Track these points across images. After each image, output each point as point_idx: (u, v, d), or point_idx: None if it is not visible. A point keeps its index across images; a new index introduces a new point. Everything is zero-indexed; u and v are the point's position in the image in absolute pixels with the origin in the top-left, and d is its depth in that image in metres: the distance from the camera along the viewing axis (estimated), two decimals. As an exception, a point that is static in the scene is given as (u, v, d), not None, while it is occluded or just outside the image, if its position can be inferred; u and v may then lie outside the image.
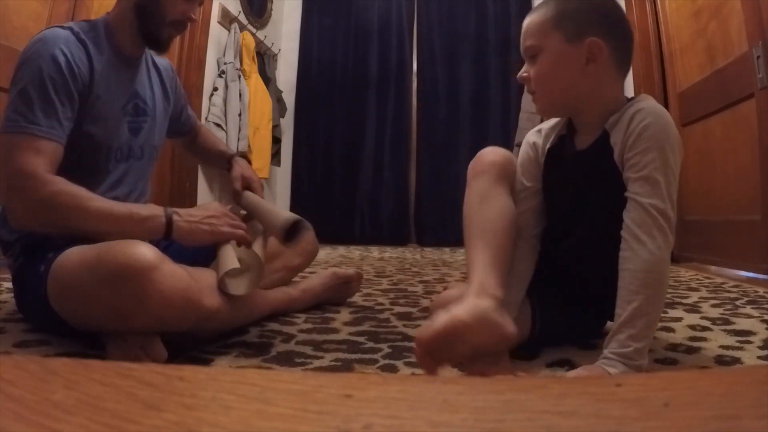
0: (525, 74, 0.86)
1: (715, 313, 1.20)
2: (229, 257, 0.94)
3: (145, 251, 0.75)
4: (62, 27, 0.98)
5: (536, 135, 0.97)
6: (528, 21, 0.86)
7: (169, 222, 0.91)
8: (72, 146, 0.95)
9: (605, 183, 0.83)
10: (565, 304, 0.89)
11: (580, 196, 0.89)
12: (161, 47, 1.08)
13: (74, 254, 0.83)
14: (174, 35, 1.08)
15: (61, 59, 0.92)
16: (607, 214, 0.83)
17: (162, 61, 1.23)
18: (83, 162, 0.99)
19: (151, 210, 0.92)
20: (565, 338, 0.93)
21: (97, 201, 0.89)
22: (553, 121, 0.97)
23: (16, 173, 0.86)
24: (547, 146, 0.93)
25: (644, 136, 0.77)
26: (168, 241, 0.96)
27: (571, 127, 0.91)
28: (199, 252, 1.17)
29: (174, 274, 0.77)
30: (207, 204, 1.03)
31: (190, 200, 3.05)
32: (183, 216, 0.93)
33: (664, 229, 0.74)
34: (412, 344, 0.73)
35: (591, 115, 0.86)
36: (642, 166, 0.76)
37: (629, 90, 3.02)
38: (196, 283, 0.81)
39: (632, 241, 0.74)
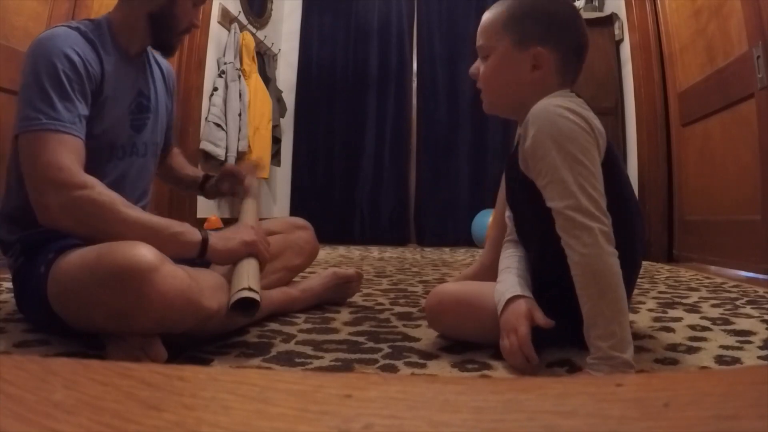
0: (474, 70, 0.88)
1: (715, 313, 1.20)
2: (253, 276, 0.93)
3: (145, 252, 0.75)
4: (69, 26, 0.98)
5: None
6: (483, 19, 0.87)
7: (205, 241, 0.91)
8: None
9: (523, 187, 0.85)
10: (561, 307, 0.90)
11: (513, 202, 0.94)
12: (171, 53, 1.12)
13: (74, 255, 0.82)
14: (184, 40, 1.12)
15: (75, 57, 0.92)
16: (536, 218, 0.84)
17: (164, 61, 1.23)
18: (86, 161, 0.99)
19: (186, 227, 0.92)
20: (563, 337, 0.93)
21: (134, 209, 0.88)
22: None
23: (48, 168, 0.84)
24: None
25: (534, 143, 0.77)
26: (200, 260, 0.95)
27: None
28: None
29: (174, 275, 0.77)
30: (239, 227, 1.02)
31: (190, 201, 3.05)
32: (218, 239, 0.93)
33: (584, 225, 0.72)
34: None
35: (522, 118, 0.85)
36: (544, 173, 0.76)
37: (629, 90, 3.02)
38: (196, 284, 0.81)
39: (565, 248, 0.74)
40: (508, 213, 1.01)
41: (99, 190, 0.86)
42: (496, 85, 0.86)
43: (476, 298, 0.91)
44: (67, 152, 0.86)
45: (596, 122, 0.81)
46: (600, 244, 0.71)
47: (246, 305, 0.85)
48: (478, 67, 0.87)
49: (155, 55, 1.20)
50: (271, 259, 1.03)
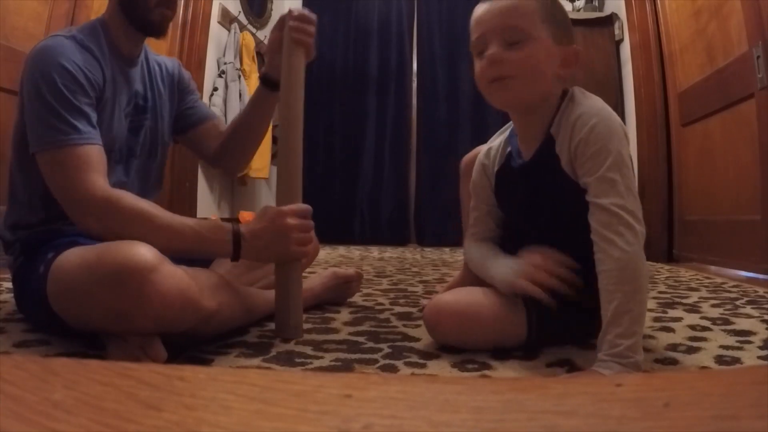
0: (499, 56, 0.79)
1: (715, 313, 1.20)
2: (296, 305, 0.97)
3: (145, 252, 0.75)
4: (64, 36, 0.97)
5: (485, 156, 1.01)
6: (513, 4, 0.81)
7: (237, 243, 0.92)
8: None
9: (554, 189, 0.85)
10: (559, 305, 0.90)
11: (530, 205, 0.92)
12: (157, 30, 1.05)
13: (74, 255, 0.83)
14: (167, 14, 1.04)
15: (72, 67, 0.91)
16: (559, 220, 0.86)
17: (167, 60, 1.22)
18: None
19: (217, 230, 0.92)
20: (562, 339, 0.93)
21: (164, 217, 0.89)
22: (498, 139, 1.00)
23: (76, 189, 0.86)
24: (495, 168, 0.97)
25: (591, 139, 0.78)
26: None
27: (513, 136, 0.94)
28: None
29: (173, 275, 0.77)
30: (266, 213, 0.99)
31: (190, 200, 3.05)
32: (249, 239, 0.93)
33: (629, 224, 0.74)
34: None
35: (538, 114, 0.86)
36: (596, 169, 0.77)
37: (629, 90, 3.02)
38: (195, 283, 0.81)
39: (602, 242, 0.74)
40: (491, 216, 1.00)
41: (128, 203, 0.88)
42: (531, 73, 0.81)
43: (475, 307, 0.90)
44: (92, 171, 0.88)
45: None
46: (641, 246, 0.74)
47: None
48: (503, 55, 0.79)
49: (157, 57, 1.19)
50: (308, 247, 1.01)
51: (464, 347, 0.90)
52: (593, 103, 0.82)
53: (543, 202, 0.90)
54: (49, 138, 0.88)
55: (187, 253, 0.91)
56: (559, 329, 0.91)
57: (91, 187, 0.86)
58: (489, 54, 0.80)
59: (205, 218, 0.91)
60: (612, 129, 0.78)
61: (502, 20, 0.80)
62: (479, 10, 0.84)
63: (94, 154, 0.89)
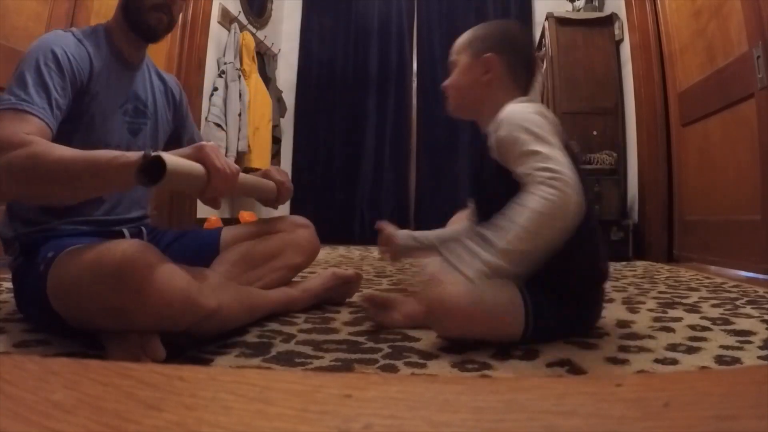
0: (445, 84, 1.08)
1: (715, 313, 1.20)
2: None
3: (144, 250, 0.75)
4: (63, 30, 1.01)
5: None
6: (454, 44, 1.08)
7: (145, 156, 0.77)
8: (66, 140, 0.95)
9: (489, 173, 0.99)
10: (556, 300, 0.90)
11: (476, 188, 1.08)
12: (152, 34, 1.07)
13: (74, 253, 0.83)
14: (163, 19, 1.06)
15: (59, 51, 0.95)
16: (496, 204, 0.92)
17: (170, 77, 1.26)
18: None
19: (125, 153, 0.81)
20: (559, 334, 0.93)
21: (70, 150, 0.82)
22: None
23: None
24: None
25: (503, 144, 0.90)
26: (145, 186, 0.79)
27: None
28: (200, 253, 1.17)
29: (173, 274, 0.77)
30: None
31: (190, 200, 3.05)
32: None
33: (546, 180, 0.80)
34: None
35: (485, 118, 1.01)
36: (517, 153, 0.87)
37: (629, 90, 3.02)
38: (195, 282, 0.81)
39: (527, 195, 0.81)
40: (470, 211, 1.12)
41: (37, 144, 0.82)
42: (459, 89, 1.05)
43: (477, 301, 0.89)
44: (22, 126, 0.84)
45: (555, 121, 0.94)
46: (567, 192, 0.79)
47: (152, 168, 0.75)
48: (448, 79, 1.07)
49: (160, 70, 1.22)
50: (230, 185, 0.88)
51: (463, 338, 0.90)
52: (507, 107, 0.94)
53: (483, 185, 1.05)
54: (6, 101, 0.88)
55: (94, 187, 0.86)
56: (556, 322, 0.91)
57: (9, 135, 0.82)
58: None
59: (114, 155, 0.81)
60: (520, 119, 0.89)
61: (450, 57, 1.09)
62: None
63: (35, 123, 0.87)
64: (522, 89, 1.03)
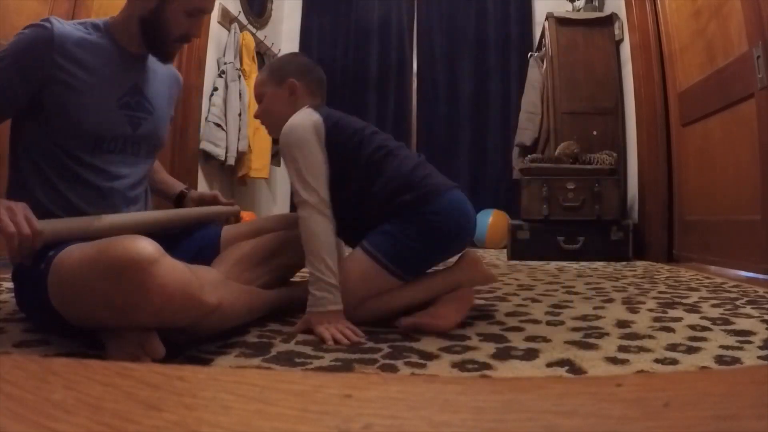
0: (257, 113, 1.28)
1: (715, 313, 1.20)
2: None
3: (146, 245, 0.75)
4: (51, 22, 1.00)
5: None
6: (257, 78, 1.29)
7: None
8: (57, 131, 0.98)
9: None
10: (400, 230, 1.13)
11: None
12: (167, 59, 1.12)
13: (74, 250, 0.83)
14: (179, 48, 1.12)
15: (23, 46, 0.96)
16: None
17: (173, 71, 1.25)
18: (69, 148, 1.00)
19: None
20: (434, 255, 1.19)
21: None
22: None
23: None
24: None
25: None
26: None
27: None
28: (201, 252, 1.17)
29: (174, 269, 0.77)
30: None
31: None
32: None
33: (302, 203, 1.09)
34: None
35: None
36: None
37: (629, 90, 3.02)
38: (196, 279, 0.81)
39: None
40: None
41: None
42: (272, 114, 1.25)
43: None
44: None
45: (315, 116, 1.15)
46: (311, 215, 1.07)
47: None
48: (258, 110, 1.27)
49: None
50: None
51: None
52: (288, 125, 1.15)
53: None
54: None
55: None
56: (417, 249, 1.12)
57: None
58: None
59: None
60: (286, 143, 1.13)
61: (254, 93, 1.29)
62: None
63: None
64: (320, 100, 1.29)
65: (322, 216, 1.07)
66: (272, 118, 1.25)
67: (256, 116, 1.28)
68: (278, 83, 1.24)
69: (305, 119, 1.14)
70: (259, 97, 1.26)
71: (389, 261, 1.10)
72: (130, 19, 1.05)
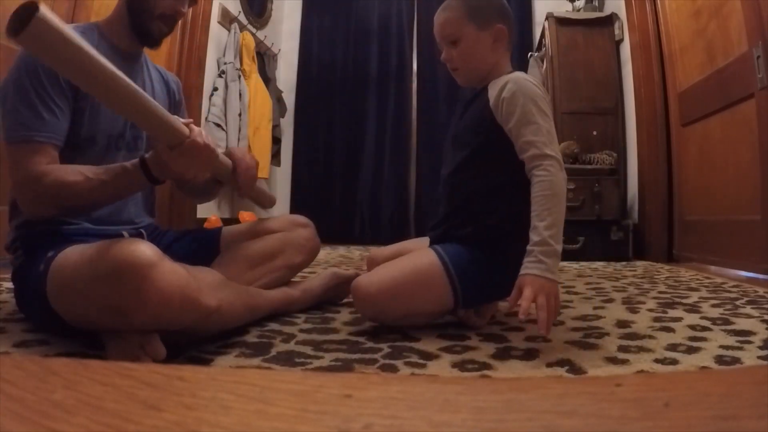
0: (448, 56, 1.12)
1: (715, 313, 1.20)
2: None
3: (144, 249, 0.75)
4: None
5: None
6: (444, 17, 1.11)
7: (143, 163, 0.93)
8: (74, 137, 1.00)
9: (474, 119, 1.10)
10: (486, 264, 1.04)
11: (455, 135, 1.16)
12: (152, 41, 1.11)
13: (74, 252, 0.83)
14: (165, 30, 1.10)
15: (39, 66, 0.95)
16: (472, 149, 1.09)
17: (171, 75, 1.26)
18: (87, 153, 1.02)
19: (124, 169, 0.95)
20: (486, 295, 1.07)
21: (82, 181, 0.93)
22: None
23: (23, 178, 0.93)
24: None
25: (512, 96, 1.01)
26: (151, 184, 0.96)
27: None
28: (200, 253, 1.17)
29: (173, 272, 0.77)
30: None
31: (191, 202, 3.05)
32: (152, 159, 0.93)
33: (552, 157, 0.97)
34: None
35: (490, 80, 1.10)
36: (519, 117, 1.00)
37: (629, 90, 3.02)
38: (195, 281, 0.81)
39: (534, 171, 0.97)
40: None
41: (51, 178, 0.92)
42: (472, 60, 1.10)
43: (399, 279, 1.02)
44: (38, 159, 0.93)
45: (548, 97, 1.07)
46: (563, 172, 0.97)
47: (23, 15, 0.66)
48: (450, 53, 1.11)
49: (160, 69, 1.23)
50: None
51: (394, 322, 1.03)
52: (513, 75, 1.06)
53: (462, 130, 1.14)
54: (12, 132, 0.94)
55: (115, 197, 1.00)
56: (485, 287, 1.04)
57: (34, 171, 0.92)
58: (442, 56, 1.13)
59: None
60: (528, 90, 1.01)
61: (440, 33, 1.12)
62: (435, 23, 1.13)
63: (45, 149, 0.95)
64: (510, 49, 1.15)
65: (565, 177, 0.97)
66: (471, 64, 1.10)
67: (445, 60, 1.12)
68: (482, 26, 1.08)
69: (534, 85, 1.04)
70: (450, 38, 1.09)
71: (458, 282, 1.01)
72: (119, 10, 1.08)
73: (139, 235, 1.13)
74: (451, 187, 1.13)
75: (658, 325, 1.08)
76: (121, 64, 1.06)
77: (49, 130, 0.95)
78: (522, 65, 3.93)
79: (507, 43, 1.11)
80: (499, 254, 1.04)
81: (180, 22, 1.15)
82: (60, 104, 0.97)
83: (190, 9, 1.19)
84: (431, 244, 1.11)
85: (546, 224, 0.92)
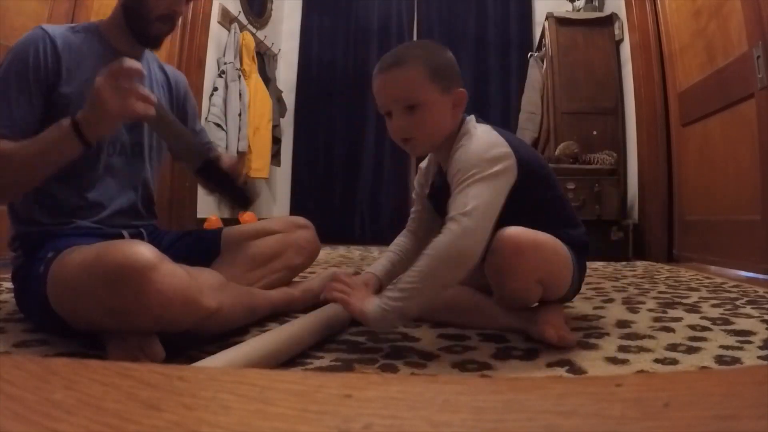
0: (402, 123, 0.96)
1: (715, 313, 1.20)
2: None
3: (144, 251, 0.75)
4: (41, 26, 1.02)
5: (421, 174, 1.22)
6: (400, 76, 0.94)
7: (76, 127, 0.88)
8: None
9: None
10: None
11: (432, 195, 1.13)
12: (152, 43, 1.10)
13: (73, 254, 0.83)
14: (164, 30, 1.09)
15: (30, 59, 0.96)
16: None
17: (176, 72, 1.25)
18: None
19: (55, 128, 0.91)
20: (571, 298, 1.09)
21: (13, 148, 0.91)
22: (425, 162, 1.20)
23: None
24: (430, 180, 1.15)
25: (457, 167, 0.91)
26: (87, 147, 0.91)
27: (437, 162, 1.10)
28: (200, 254, 1.17)
29: (173, 274, 0.77)
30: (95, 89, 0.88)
31: (190, 200, 3.05)
32: (82, 117, 0.89)
33: (458, 221, 0.84)
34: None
35: (444, 146, 0.99)
36: (458, 181, 0.89)
37: (629, 90, 3.02)
38: (195, 282, 0.81)
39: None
40: (425, 214, 1.18)
41: None
42: (432, 129, 0.96)
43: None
44: None
45: (508, 144, 0.94)
46: (471, 239, 0.84)
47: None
48: (405, 120, 0.95)
49: (164, 64, 1.22)
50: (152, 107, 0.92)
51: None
52: (469, 139, 0.95)
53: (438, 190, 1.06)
54: None
55: (47, 163, 0.93)
56: (577, 286, 1.06)
57: None
58: (393, 122, 0.97)
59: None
60: (470, 155, 0.91)
61: (397, 92, 0.95)
62: (376, 82, 0.99)
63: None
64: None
65: (475, 243, 0.87)
66: (430, 134, 0.96)
67: (396, 128, 0.97)
68: (446, 88, 0.95)
69: (504, 146, 0.93)
70: (408, 102, 0.94)
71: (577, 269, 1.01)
72: (117, 12, 1.07)
73: (139, 236, 1.13)
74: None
75: (658, 325, 1.08)
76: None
77: (11, 124, 0.94)
78: (522, 65, 3.93)
79: (464, 107, 0.99)
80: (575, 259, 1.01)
81: (180, 22, 1.15)
82: (35, 102, 0.96)
83: (190, 8, 1.19)
84: None
85: (409, 281, 0.83)
